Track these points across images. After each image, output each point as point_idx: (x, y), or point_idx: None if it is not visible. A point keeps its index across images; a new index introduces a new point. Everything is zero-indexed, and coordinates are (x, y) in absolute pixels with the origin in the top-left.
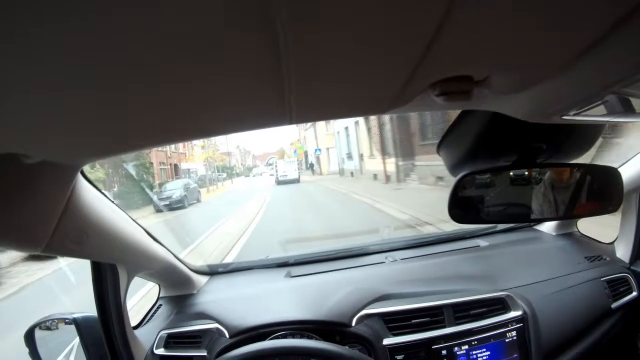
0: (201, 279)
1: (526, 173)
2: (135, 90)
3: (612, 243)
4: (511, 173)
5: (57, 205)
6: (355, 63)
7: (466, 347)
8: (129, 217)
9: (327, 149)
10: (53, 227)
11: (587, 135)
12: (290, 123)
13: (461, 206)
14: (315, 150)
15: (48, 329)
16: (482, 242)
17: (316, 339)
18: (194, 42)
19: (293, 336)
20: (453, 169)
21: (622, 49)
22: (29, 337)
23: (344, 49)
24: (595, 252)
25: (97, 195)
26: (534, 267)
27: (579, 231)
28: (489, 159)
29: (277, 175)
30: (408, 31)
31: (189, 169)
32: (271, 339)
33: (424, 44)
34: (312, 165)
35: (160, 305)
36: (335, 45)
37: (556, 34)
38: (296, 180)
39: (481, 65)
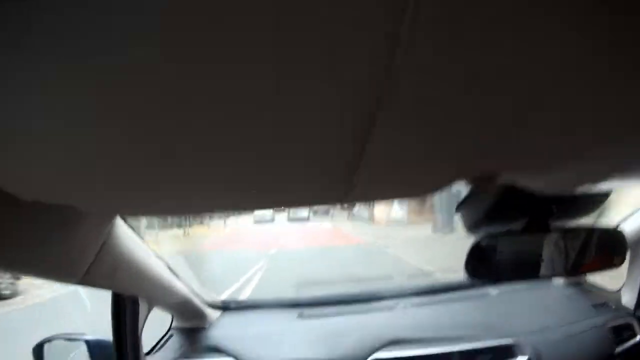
0: (214, 314)
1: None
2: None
3: (618, 291)
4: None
5: (95, 244)
6: (433, 145)
7: None
8: (155, 254)
9: None
10: (88, 264)
11: (596, 197)
12: (344, 202)
13: (477, 265)
14: None
15: (57, 346)
16: (492, 290)
17: None
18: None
19: None
20: (470, 228)
21: None
22: (38, 352)
23: (426, 130)
24: (602, 299)
25: (130, 235)
26: (541, 315)
27: (586, 280)
28: (503, 221)
29: (288, 213)
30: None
31: None
32: None
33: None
34: (349, 207)
35: (172, 335)
36: (422, 125)
37: (579, 124)
38: (305, 219)
39: (507, 161)
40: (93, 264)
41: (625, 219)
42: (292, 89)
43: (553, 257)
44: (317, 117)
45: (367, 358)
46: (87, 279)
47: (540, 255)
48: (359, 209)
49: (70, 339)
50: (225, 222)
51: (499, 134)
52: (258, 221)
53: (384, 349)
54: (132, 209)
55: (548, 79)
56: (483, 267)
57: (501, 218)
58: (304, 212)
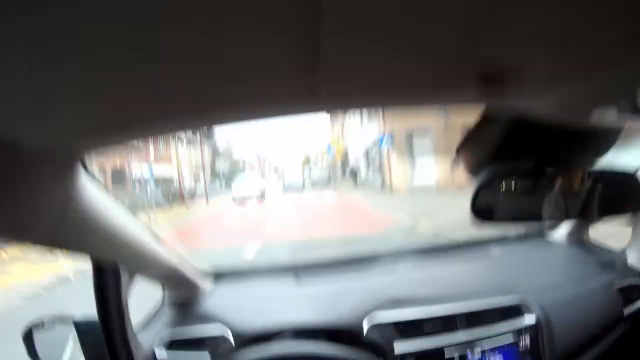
0: (206, 282)
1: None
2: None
3: (623, 250)
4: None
5: (58, 198)
6: (408, 35)
7: (479, 353)
8: (132, 216)
9: (410, 134)
10: (52, 222)
11: (604, 139)
12: (314, 108)
13: (483, 208)
14: (381, 139)
15: (46, 329)
16: (494, 250)
17: (327, 344)
18: None
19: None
20: (472, 171)
21: None
22: (28, 337)
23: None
24: (607, 259)
25: (98, 192)
26: (546, 275)
27: (590, 239)
28: (508, 162)
29: (283, 182)
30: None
31: (149, 174)
32: (280, 344)
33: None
34: (354, 174)
35: (164, 307)
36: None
37: (609, 20)
38: (300, 189)
39: (520, 53)
40: (58, 223)
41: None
42: None
43: (560, 199)
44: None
45: (368, 320)
46: (52, 241)
47: (547, 197)
48: (366, 175)
49: (58, 320)
50: (207, 200)
51: (494, 23)
52: (239, 198)
53: (385, 310)
54: (89, 135)
55: None
56: (489, 209)
57: (506, 157)
58: (297, 179)
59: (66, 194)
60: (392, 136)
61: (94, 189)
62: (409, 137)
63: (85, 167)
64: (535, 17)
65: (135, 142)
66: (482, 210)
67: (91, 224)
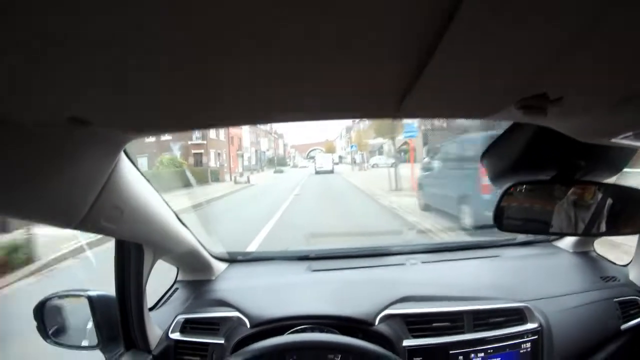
0: (220, 266)
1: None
2: (209, 60)
3: (626, 265)
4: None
5: (99, 179)
6: (498, 59)
7: (482, 354)
8: (162, 198)
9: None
10: (91, 202)
11: (622, 155)
12: (395, 116)
13: (506, 215)
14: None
15: (59, 304)
16: (501, 253)
17: (339, 334)
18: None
19: (321, 331)
20: (495, 178)
21: None
22: (39, 311)
23: (498, 42)
24: (610, 272)
25: (136, 174)
26: (551, 282)
27: (595, 251)
28: (530, 172)
29: (315, 166)
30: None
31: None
32: (293, 332)
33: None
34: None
35: (177, 288)
36: (494, 38)
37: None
38: (330, 172)
39: (560, 85)
40: (95, 204)
41: None
42: None
43: (571, 213)
44: (382, 21)
45: (380, 313)
46: (86, 222)
47: (559, 211)
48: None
49: (71, 295)
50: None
51: (552, 63)
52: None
53: (395, 304)
54: (146, 121)
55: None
56: (509, 217)
57: (527, 168)
58: (328, 163)
59: (107, 177)
60: None
61: (132, 175)
62: None
63: (126, 154)
64: (583, 58)
65: (178, 132)
66: (502, 218)
67: (125, 208)
